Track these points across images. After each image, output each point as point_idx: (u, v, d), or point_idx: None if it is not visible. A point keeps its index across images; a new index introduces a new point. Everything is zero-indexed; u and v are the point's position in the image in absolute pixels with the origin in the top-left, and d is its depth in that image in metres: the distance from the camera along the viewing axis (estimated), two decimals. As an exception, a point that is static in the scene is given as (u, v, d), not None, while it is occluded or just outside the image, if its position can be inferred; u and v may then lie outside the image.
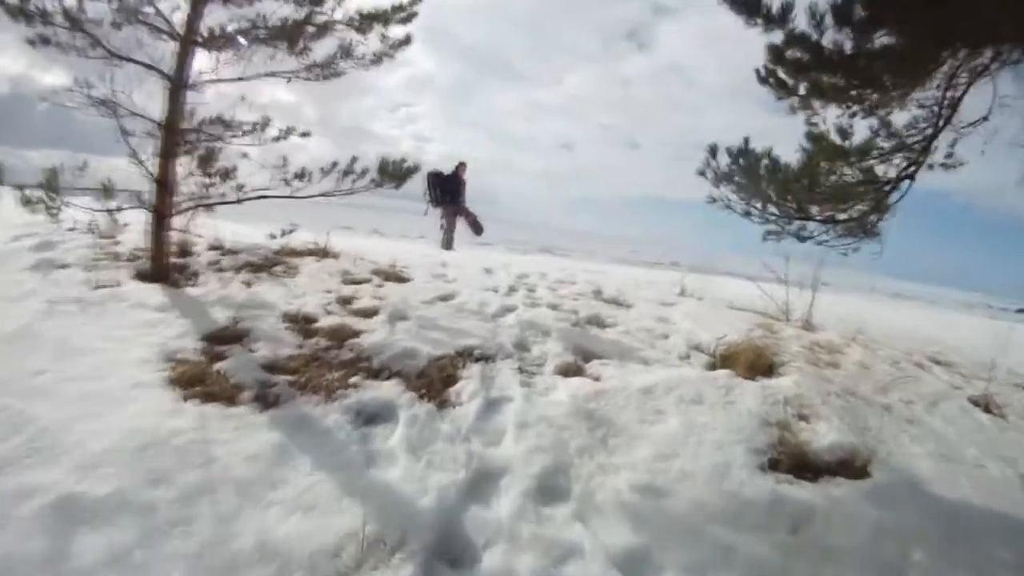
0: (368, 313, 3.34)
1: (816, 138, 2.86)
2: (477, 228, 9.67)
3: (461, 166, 9.20)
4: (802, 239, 3.26)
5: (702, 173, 3.36)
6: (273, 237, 5.76)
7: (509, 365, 2.72)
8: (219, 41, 4.45)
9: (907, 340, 4.68)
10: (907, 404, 3.25)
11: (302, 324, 3.14)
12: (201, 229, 4.90)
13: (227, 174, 4.92)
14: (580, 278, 5.20)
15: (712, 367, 3.05)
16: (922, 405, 3.31)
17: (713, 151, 3.29)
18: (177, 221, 4.35)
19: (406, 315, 3.27)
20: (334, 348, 2.80)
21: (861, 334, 4.42)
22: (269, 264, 4.53)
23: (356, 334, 2.97)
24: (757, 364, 2.99)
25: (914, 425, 3.03)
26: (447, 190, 9.13)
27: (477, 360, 2.74)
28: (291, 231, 5.76)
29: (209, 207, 4.93)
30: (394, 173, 4.61)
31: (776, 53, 2.69)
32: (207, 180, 4.84)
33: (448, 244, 9.26)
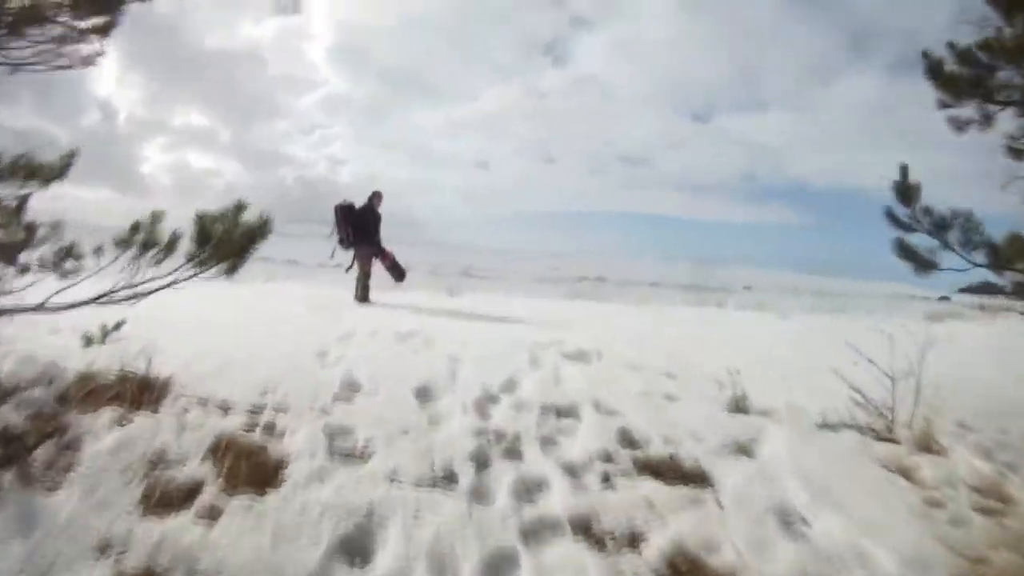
0: None
1: None
2: (398, 273, 7.82)
3: (376, 196, 7.34)
4: None
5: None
6: (89, 343, 3.60)
7: None
8: None
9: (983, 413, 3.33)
10: None
11: None
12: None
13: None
14: (574, 392, 3.30)
15: None
16: None
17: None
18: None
19: None
20: None
21: (965, 429, 3.05)
22: (36, 436, 2.32)
23: None
24: None
25: None
26: (360, 227, 7.22)
27: None
28: (117, 327, 3.64)
29: None
30: (224, 241, 2.44)
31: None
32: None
33: (364, 295, 7.31)
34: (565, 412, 2.92)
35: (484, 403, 2.94)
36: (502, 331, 5.13)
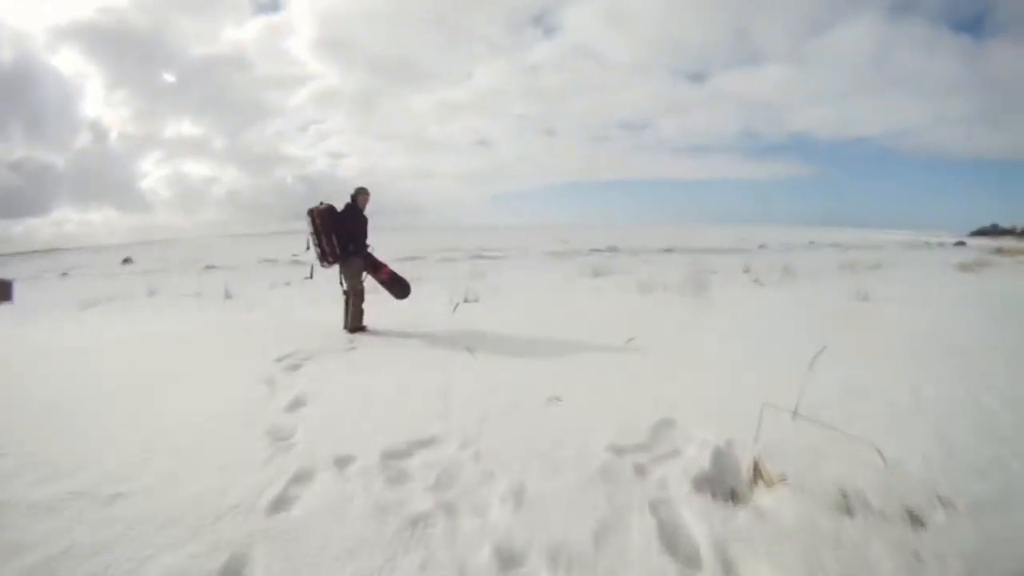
0: None
1: None
2: (400, 288, 5.99)
3: (361, 194, 5.44)
4: None
5: None
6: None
7: None
8: None
9: None
10: None
11: None
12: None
13: None
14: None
15: None
16: None
17: None
18: None
19: None
20: None
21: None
22: None
23: None
24: None
25: None
26: (346, 235, 5.33)
27: None
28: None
29: None
30: None
31: None
32: None
33: (356, 322, 5.44)
34: None
35: None
36: (566, 408, 3.14)
